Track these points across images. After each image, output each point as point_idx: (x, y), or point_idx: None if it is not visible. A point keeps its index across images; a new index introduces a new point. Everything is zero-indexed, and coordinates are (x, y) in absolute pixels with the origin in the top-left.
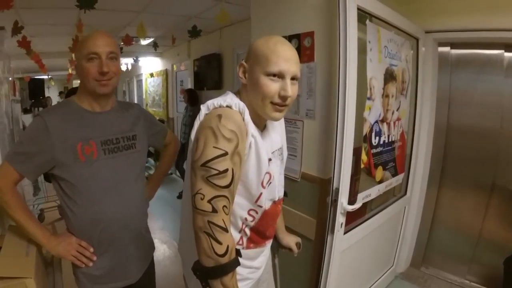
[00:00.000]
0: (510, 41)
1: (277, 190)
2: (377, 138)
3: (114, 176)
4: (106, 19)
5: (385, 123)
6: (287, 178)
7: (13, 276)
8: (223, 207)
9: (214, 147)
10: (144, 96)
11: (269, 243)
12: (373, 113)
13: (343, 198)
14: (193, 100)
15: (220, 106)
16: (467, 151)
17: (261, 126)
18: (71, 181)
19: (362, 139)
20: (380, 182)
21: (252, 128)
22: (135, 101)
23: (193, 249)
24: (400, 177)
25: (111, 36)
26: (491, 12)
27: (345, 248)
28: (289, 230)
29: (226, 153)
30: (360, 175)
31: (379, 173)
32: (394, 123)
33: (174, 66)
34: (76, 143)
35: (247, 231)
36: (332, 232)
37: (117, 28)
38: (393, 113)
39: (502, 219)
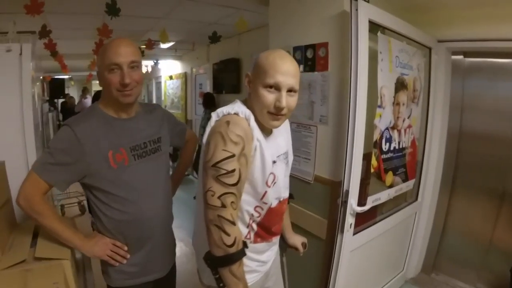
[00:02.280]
0: None
1: (282, 190)
2: (388, 144)
3: (145, 179)
4: (129, 24)
5: (395, 130)
6: (300, 180)
7: (51, 258)
8: (231, 202)
9: (223, 149)
10: (163, 98)
11: (275, 239)
12: (383, 120)
13: (352, 200)
14: (208, 103)
15: (229, 114)
16: (479, 158)
17: (267, 132)
18: (105, 188)
19: (373, 145)
20: (390, 186)
21: (257, 133)
22: (154, 102)
23: (205, 242)
24: (411, 182)
25: (133, 44)
26: (503, 22)
27: (354, 248)
28: (302, 229)
29: (233, 155)
30: (370, 179)
31: (389, 178)
32: (405, 130)
33: (193, 69)
34: (107, 151)
35: (254, 226)
36: (342, 232)
37: (139, 32)
38: (404, 121)
39: None
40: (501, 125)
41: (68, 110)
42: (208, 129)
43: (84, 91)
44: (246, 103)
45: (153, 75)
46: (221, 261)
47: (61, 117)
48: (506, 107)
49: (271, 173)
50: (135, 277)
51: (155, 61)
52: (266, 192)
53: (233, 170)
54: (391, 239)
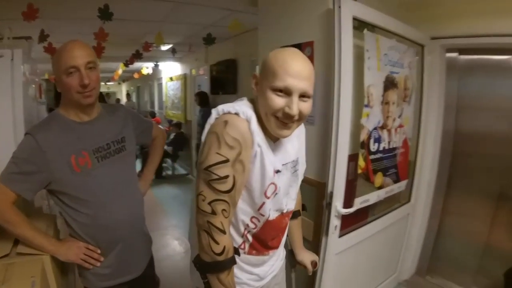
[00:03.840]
0: None
1: (285, 202)
2: (376, 144)
3: (112, 180)
4: (126, 28)
5: (385, 130)
6: None
7: (31, 253)
8: (222, 210)
9: (216, 153)
10: (164, 99)
11: (272, 253)
12: (371, 120)
13: (337, 202)
14: (203, 101)
15: (229, 113)
16: (476, 159)
17: (274, 137)
18: (72, 193)
19: (360, 145)
20: (380, 187)
21: (258, 138)
22: (156, 104)
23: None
24: (403, 183)
25: (87, 45)
26: (499, 17)
27: (340, 250)
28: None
29: (227, 160)
30: (358, 181)
31: (378, 179)
32: (396, 129)
33: (193, 70)
34: (69, 156)
35: (249, 237)
36: (327, 234)
37: (137, 36)
38: (394, 120)
39: (509, 230)
40: (498, 124)
41: None
42: (207, 127)
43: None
44: (253, 103)
45: (155, 77)
46: (209, 267)
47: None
48: (504, 105)
49: (272, 183)
50: (110, 279)
51: (155, 63)
52: (264, 203)
53: (226, 177)
54: (382, 241)
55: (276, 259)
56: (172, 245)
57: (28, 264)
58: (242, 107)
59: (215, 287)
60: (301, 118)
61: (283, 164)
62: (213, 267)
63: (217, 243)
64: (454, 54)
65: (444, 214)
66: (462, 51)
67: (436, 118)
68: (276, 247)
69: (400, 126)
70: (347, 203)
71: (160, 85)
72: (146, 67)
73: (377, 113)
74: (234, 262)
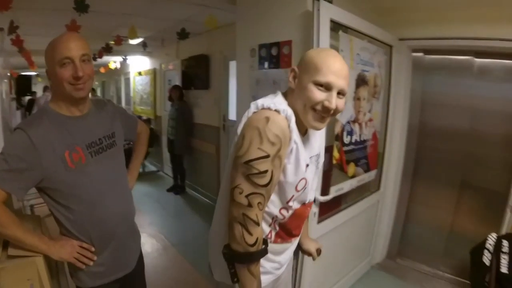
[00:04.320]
0: (479, 49)
1: (309, 194)
2: (349, 137)
3: (105, 176)
4: (99, 20)
5: (357, 124)
6: None
7: (24, 255)
8: (258, 203)
9: (258, 148)
10: (132, 94)
11: (295, 241)
12: (344, 114)
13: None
14: (181, 96)
15: (269, 109)
16: (439, 151)
17: (303, 132)
18: (65, 190)
19: (334, 138)
20: (353, 177)
21: (295, 135)
22: (123, 99)
23: (222, 237)
24: (373, 173)
25: (82, 38)
26: (462, 22)
27: (318, 236)
28: None
29: (268, 156)
30: (333, 171)
31: (351, 168)
32: (366, 123)
33: (163, 65)
34: (63, 152)
35: (276, 226)
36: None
37: (108, 28)
38: (365, 115)
39: (471, 214)
40: (459, 119)
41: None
42: (244, 120)
43: (45, 89)
44: (286, 97)
45: (122, 71)
46: (241, 258)
47: (27, 115)
48: (464, 102)
49: (303, 178)
50: (103, 277)
51: (124, 57)
52: (293, 196)
53: (266, 171)
54: (356, 227)
55: (293, 246)
56: (149, 242)
57: (21, 268)
58: (282, 105)
59: (243, 276)
60: (336, 112)
61: (310, 158)
62: (245, 257)
63: (250, 234)
64: (420, 54)
65: (411, 201)
66: (427, 51)
67: (402, 113)
68: (299, 235)
69: (370, 120)
70: (324, 191)
71: (127, 80)
72: (114, 61)
73: (349, 108)
74: (266, 252)
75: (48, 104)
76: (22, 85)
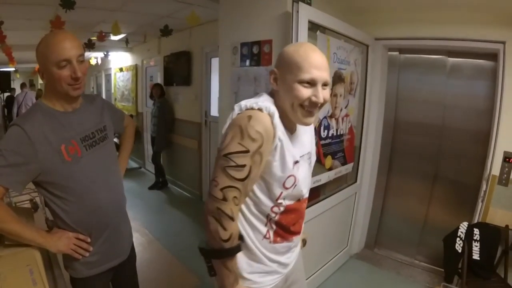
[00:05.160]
0: (451, 48)
1: (303, 191)
2: (326, 131)
3: (98, 167)
4: (81, 15)
5: (333, 119)
6: None
7: (19, 244)
8: (233, 197)
9: (239, 143)
10: (112, 91)
11: (296, 239)
12: (322, 110)
13: None
14: (162, 93)
15: (252, 108)
16: (413, 145)
17: (292, 130)
18: (61, 182)
19: None
20: (330, 169)
21: (280, 132)
22: (104, 95)
23: None
24: (350, 166)
25: (76, 37)
26: (435, 23)
27: None
28: None
29: (248, 151)
30: None
31: (328, 161)
32: (343, 118)
33: (144, 61)
34: (59, 146)
35: (273, 225)
36: None
37: (91, 24)
38: (341, 110)
39: (444, 206)
40: (432, 115)
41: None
42: (228, 121)
43: (23, 86)
44: (273, 97)
45: (103, 67)
46: (215, 254)
47: (6, 112)
48: (437, 99)
49: (291, 175)
50: (98, 265)
51: (105, 53)
52: (281, 193)
53: (243, 165)
54: (334, 217)
55: (298, 247)
56: (134, 237)
57: (19, 255)
58: (264, 103)
59: (219, 270)
60: (324, 104)
61: (301, 156)
62: (219, 254)
63: (225, 229)
64: (395, 53)
65: (387, 193)
66: (402, 50)
67: (378, 109)
68: (299, 233)
69: (346, 115)
70: None
71: (108, 75)
72: (95, 57)
73: (326, 104)
74: (239, 249)
75: (41, 100)
76: (1, 82)
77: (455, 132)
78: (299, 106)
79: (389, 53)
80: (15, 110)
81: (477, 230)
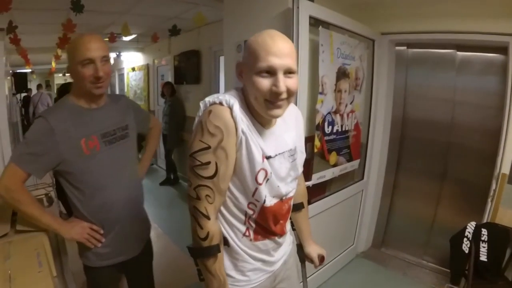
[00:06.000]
0: (461, 42)
1: (283, 189)
2: (330, 127)
3: (114, 164)
4: (92, 18)
5: (338, 115)
6: None
7: (30, 230)
8: (206, 196)
9: (200, 140)
10: (126, 90)
11: (281, 239)
12: (325, 106)
13: None
14: (173, 92)
15: (214, 103)
16: (422, 142)
17: (265, 124)
18: (79, 174)
19: (315, 128)
20: (335, 165)
21: (243, 125)
22: None
23: None
24: (356, 162)
25: (102, 39)
26: (443, 16)
27: None
28: None
29: (208, 147)
30: (314, 159)
31: (332, 157)
32: (348, 114)
33: (155, 61)
34: (79, 139)
35: (252, 223)
36: None
37: (102, 26)
38: (346, 106)
39: (453, 205)
40: (441, 111)
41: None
42: (196, 118)
43: (39, 87)
44: (242, 92)
45: (116, 67)
46: (193, 252)
47: (23, 112)
48: (446, 94)
49: (262, 169)
50: (109, 258)
51: (117, 53)
52: (256, 188)
53: (208, 163)
54: (340, 215)
55: (285, 245)
56: None
57: (28, 241)
58: (225, 96)
59: (203, 273)
60: (290, 94)
61: (279, 153)
62: (197, 252)
63: (201, 228)
64: (403, 48)
65: (395, 191)
66: (410, 45)
67: (385, 105)
68: (282, 234)
69: (352, 111)
70: (306, 177)
71: (121, 75)
72: None
73: (330, 99)
74: (218, 251)
75: (68, 96)
76: (19, 82)
77: (464, 129)
78: (262, 99)
79: (397, 48)
80: (31, 110)
81: (485, 230)
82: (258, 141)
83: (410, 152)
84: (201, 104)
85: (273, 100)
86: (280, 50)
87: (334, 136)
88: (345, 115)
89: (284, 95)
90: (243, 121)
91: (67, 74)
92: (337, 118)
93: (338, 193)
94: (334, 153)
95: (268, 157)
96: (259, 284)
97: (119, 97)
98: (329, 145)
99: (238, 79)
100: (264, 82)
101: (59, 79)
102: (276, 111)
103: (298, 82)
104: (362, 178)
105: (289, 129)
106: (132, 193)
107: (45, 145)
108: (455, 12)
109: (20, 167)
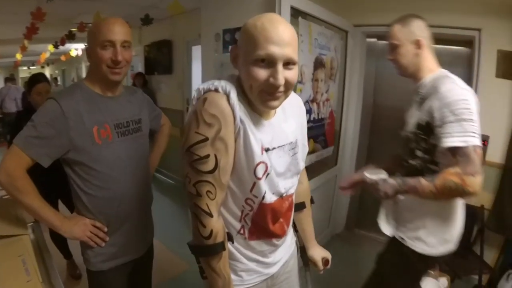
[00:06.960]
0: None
1: (282, 185)
2: (308, 115)
3: (126, 157)
4: (60, 7)
5: (315, 103)
6: None
7: (10, 235)
8: (206, 192)
9: (195, 132)
10: None
11: (278, 241)
12: (304, 94)
13: None
14: (145, 83)
15: (209, 90)
16: (391, 129)
17: (263, 115)
18: (88, 163)
19: None
20: (312, 152)
21: (241, 112)
22: None
23: None
24: (330, 149)
25: (126, 24)
26: (411, 11)
27: None
28: None
29: (206, 139)
30: None
31: (310, 145)
32: (323, 103)
33: None
34: (91, 126)
35: (248, 221)
36: None
37: (71, 15)
38: (322, 95)
39: None
40: (409, 100)
41: None
42: (190, 107)
43: (7, 80)
44: (238, 78)
45: (83, 58)
46: (196, 250)
47: None
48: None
49: (261, 162)
50: (114, 258)
51: (86, 44)
52: (255, 183)
53: (207, 156)
54: (315, 200)
55: (285, 247)
56: None
57: (10, 245)
58: (221, 82)
59: (206, 272)
60: (288, 88)
61: (279, 146)
62: (200, 250)
63: (203, 225)
64: (373, 40)
65: None
66: (380, 37)
67: (357, 94)
68: (281, 235)
69: (327, 100)
70: None
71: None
72: (75, 49)
73: (308, 88)
74: (223, 248)
75: (82, 80)
76: None
77: None
78: (257, 89)
79: (368, 40)
80: None
81: None
82: (256, 132)
83: (380, 138)
84: (195, 92)
85: (271, 91)
86: (280, 37)
87: (312, 124)
88: (321, 104)
89: (281, 89)
90: (240, 109)
91: (42, 67)
92: (314, 107)
93: (314, 179)
94: (311, 141)
95: (267, 149)
96: (253, 286)
97: (135, 90)
98: (307, 132)
99: (232, 65)
100: (261, 73)
101: (24, 72)
102: (272, 103)
103: (297, 74)
104: (336, 164)
105: (288, 120)
106: (142, 191)
107: (55, 129)
108: (423, 7)
109: (25, 152)
